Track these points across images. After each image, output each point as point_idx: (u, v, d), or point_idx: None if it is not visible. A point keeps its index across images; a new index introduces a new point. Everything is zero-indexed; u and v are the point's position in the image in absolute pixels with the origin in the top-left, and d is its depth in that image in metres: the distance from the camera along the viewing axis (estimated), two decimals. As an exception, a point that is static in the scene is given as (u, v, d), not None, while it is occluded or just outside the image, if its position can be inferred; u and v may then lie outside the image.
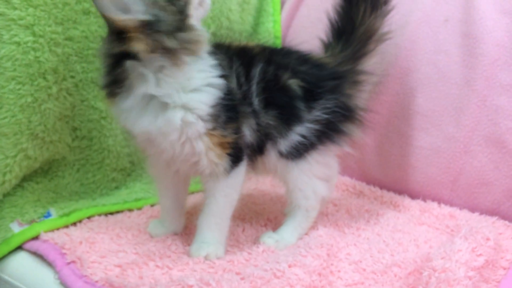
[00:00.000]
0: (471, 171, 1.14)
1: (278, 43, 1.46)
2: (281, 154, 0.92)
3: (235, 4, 1.39)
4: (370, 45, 1.02)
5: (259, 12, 1.47)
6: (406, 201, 1.19)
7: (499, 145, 1.10)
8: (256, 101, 0.89)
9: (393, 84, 1.21)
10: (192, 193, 1.15)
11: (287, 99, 0.91)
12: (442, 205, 1.16)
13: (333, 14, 1.05)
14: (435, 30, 1.18)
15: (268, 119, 0.90)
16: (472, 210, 1.14)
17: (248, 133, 0.89)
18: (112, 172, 1.15)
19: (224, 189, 0.89)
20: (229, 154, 0.86)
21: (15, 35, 0.93)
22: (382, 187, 1.27)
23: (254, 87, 0.89)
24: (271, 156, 0.93)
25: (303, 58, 0.97)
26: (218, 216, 0.90)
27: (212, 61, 0.85)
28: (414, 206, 1.16)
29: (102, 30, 1.09)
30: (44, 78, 0.98)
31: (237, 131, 0.86)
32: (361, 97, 1.01)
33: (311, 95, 0.92)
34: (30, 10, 0.95)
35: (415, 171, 1.21)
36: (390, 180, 1.26)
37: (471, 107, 1.12)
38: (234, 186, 0.90)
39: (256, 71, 0.90)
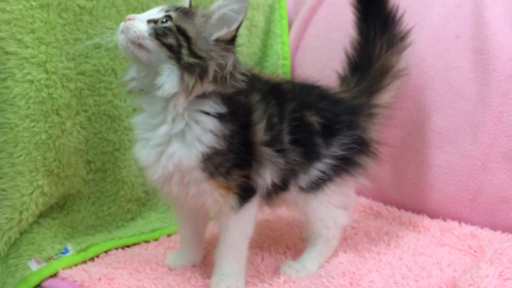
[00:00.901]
0: (490, 188, 1.12)
1: (287, 64, 1.46)
2: (301, 189, 0.92)
3: (243, 28, 1.38)
4: (386, 81, 1.03)
5: (267, 34, 1.47)
6: (426, 221, 1.17)
7: (518, 161, 1.09)
8: (286, 140, 0.89)
9: (406, 102, 1.20)
10: (213, 219, 1.14)
11: (308, 136, 0.91)
12: (463, 224, 1.14)
13: (350, 49, 1.06)
14: (446, 47, 1.18)
15: (295, 156, 0.90)
16: (494, 228, 1.12)
17: (274, 173, 0.88)
18: (127, 203, 1.15)
19: (236, 223, 0.88)
20: (236, 193, 0.86)
21: (28, 73, 0.93)
22: (399, 207, 1.25)
23: (285, 126, 0.89)
24: (291, 191, 0.93)
25: (322, 94, 0.97)
26: (234, 248, 0.90)
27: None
28: (434, 226, 1.14)
29: (113, 63, 1.09)
30: (58, 114, 0.98)
31: (247, 175, 0.86)
32: (375, 130, 1.02)
33: (329, 131, 0.93)
34: (42, 47, 0.95)
35: (432, 190, 1.19)
36: (408, 200, 1.24)
37: (487, 123, 1.11)
38: (246, 219, 0.89)
39: (288, 111, 0.90)
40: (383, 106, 1.03)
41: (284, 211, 1.24)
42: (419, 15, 1.20)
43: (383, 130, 1.06)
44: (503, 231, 1.10)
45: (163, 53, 0.80)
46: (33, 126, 0.94)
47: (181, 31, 0.80)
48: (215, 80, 0.81)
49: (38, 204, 0.97)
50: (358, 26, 1.06)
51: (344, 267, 0.92)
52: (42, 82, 0.95)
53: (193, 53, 0.80)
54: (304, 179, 0.92)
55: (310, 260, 0.96)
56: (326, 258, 0.97)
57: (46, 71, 0.95)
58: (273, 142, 0.88)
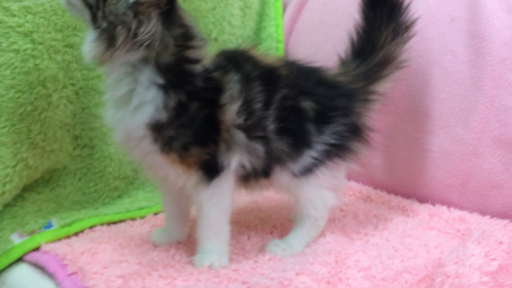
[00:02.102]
0: (481, 173, 1.11)
1: (281, 47, 1.45)
2: (294, 175, 0.91)
3: (236, 9, 1.37)
4: (387, 70, 1.00)
5: (261, 16, 1.46)
6: (415, 205, 1.16)
7: (509, 146, 1.08)
8: (271, 127, 0.86)
9: (399, 86, 1.18)
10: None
11: (299, 122, 0.89)
12: (452, 209, 1.13)
13: (354, 34, 1.03)
14: (441, 30, 1.16)
15: (281, 145, 0.88)
16: (483, 213, 1.11)
17: (245, 159, 0.86)
18: (114, 180, 1.13)
19: (210, 199, 0.86)
20: (200, 170, 0.84)
21: (14, 43, 0.92)
22: (389, 191, 1.24)
23: (271, 113, 0.86)
24: (282, 177, 0.91)
25: (321, 79, 0.95)
26: (213, 225, 0.88)
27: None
28: (423, 210, 1.13)
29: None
30: (44, 86, 0.96)
31: (211, 151, 0.83)
32: (369, 116, 1.00)
33: (323, 118, 0.91)
34: (29, 17, 0.94)
35: (423, 175, 1.18)
36: (398, 184, 1.23)
37: (479, 108, 1.10)
38: (220, 194, 0.86)
39: (277, 97, 0.87)
40: (380, 94, 1.02)
41: (272, 192, 1.23)
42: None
43: (374, 115, 1.05)
44: (492, 216, 1.09)
45: (86, 14, 0.78)
46: (18, 97, 0.93)
47: None
48: (134, 47, 0.77)
49: (22, 177, 0.96)
50: (364, 12, 1.02)
51: (331, 246, 0.91)
52: (28, 52, 0.93)
53: (105, 17, 0.76)
54: (296, 166, 0.90)
55: (297, 240, 0.95)
56: (312, 238, 0.96)
57: (33, 41, 0.94)
58: (251, 128, 0.85)
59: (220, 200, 0.87)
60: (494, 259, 0.79)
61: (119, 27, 0.76)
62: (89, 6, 0.77)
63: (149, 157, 0.84)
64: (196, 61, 0.82)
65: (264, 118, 0.86)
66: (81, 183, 1.09)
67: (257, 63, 0.90)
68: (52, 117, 0.99)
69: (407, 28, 1.02)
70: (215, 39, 1.31)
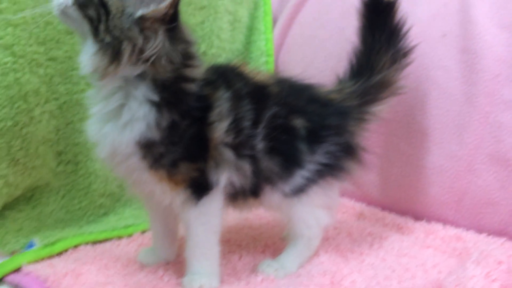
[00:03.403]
0: (476, 190, 1.09)
1: (271, 61, 1.43)
2: (285, 195, 0.88)
3: (226, 23, 1.35)
4: (383, 94, 0.99)
5: (251, 30, 1.44)
6: (410, 222, 1.14)
7: (504, 163, 1.06)
8: (260, 145, 0.84)
9: (392, 102, 1.17)
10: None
11: (290, 141, 0.86)
12: (448, 226, 1.11)
13: (352, 57, 1.01)
14: (433, 45, 1.15)
15: (271, 164, 0.85)
16: (479, 231, 1.08)
17: (235, 178, 0.83)
18: (99, 197, 1.09)
19: (198, 218, 0.83)
20: (188, 188, 0.80)
21: (-6, 55, 0.88)
22: (383, 208, 1.22)
23: (260, 131, 0.84)
24: (273, 197, 0.88)
25: (313, 97, 0.92)
26: (202, 246, 0.84)
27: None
28: (418, 228, 1.11)
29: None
30: (25, 100, 0.93)
31: (200, 169, 0.80)
32: (362, 135, 0.98)
33: (315, 137, 0.88)
34: (9, 29, 0.90)
35: (417, 192, 1.16)
36: (391, 201, 1.21)
37: (473, 124, 1.08)
38: (208, 213, 0.83)
39: (267, 115, 0.84)
40: (374, 115, 1.00)
41: (264, 210, 1.20)
42: (405, 14, 1.17)
43: (367, 132, 1.02)
44: (489, 234, 1.07)
45: (85, 26, 0.75)
46: (-2, 112, 0.89)
47: (102, 3, 0.73)
48: (139, 62, 0.75)
49: (2, 194, 0.92)
50: (363, 35, 1.01)
51: (325, 266, 0.88)
52: (8, 65, 0.90)
53: (108, 30, 0.73)
54: (288, 186, 0.87)
55: (290, 260, 0.91)
56: (306, 258, 0.93)
57: (13, 54, 0.90)
58: (239, 147, 0.82)
59: (209, 220, 0.83)
60: (495, 279, 0.77)
61: (125, 42, 0.73)
62: (90, 19, 0.74)
63: (135, 174, 0.80)
64: (193, 80, 0.80)
65: (252, 137, 0.83)
66: (65, 200, 1.05)
67: (248, 80, 0.87)
68: (34, 132, 0.95)
69: (405, 54, 1.01)
70: (204, 53, 1.29)
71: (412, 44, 1.01)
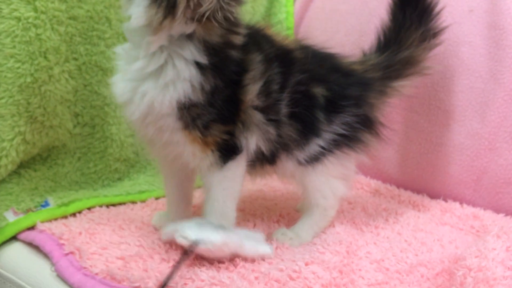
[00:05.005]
0: (496, 169, 1.07)
1: (290, 34, 1.40)
2: (299, 163, 0.87)
3: (247, -6, 1.33)
4: (408, 71, 0.97)
5: (271, 2, 1.41)
6: (426, 200, 1.12)
7: (527, 142, 1.04)
8: (284, 111, 0.83)
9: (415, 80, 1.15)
10: (200, 187, 1.08)
11: (309, 109, 0.85)
12: (465, 205, 1.09)
13: (380, 32, 0.99)
14: (459, 20, 1.12)
15: (291, 130, 0.84)
16: (497, 211, 1.07)
17: (261, 141, 0.82)
18: (115, 162, 1.09)
19: (220, 183, 0.82)
20: (216, 150, 0.79)
21: (15, 10, 0.87)
22: (399, 186, 1.20)
23: (285, 96, 0.83)
24: (287, 165, 0.87)
25: (335, 66, 0.91)
26: (220, 210, 0.83)
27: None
28: (434, 206, 1.09)
29: (108, 11, 1.03)
30: (45, 57, 0.92)
31: (229, 132, 0.79)
32: (382, 109, 0.96)
33: (333, 107, 0.87)
34: (31, -17, 0.89)
35: (435, 170, 1.14)
36: (408, 179, 1.19)
37: (497, 101, 1.06)
38: (232, 178, 0.83)
39: (292, 81, 0.83)
40: (397, 90, 0.97)
41: (278, 182, 1.19)
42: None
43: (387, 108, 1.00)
44: (507, 214, 1.05)
45: None
46: (18, 67, 0.88)
47: None
48: (192, 19, 0.72)
49: (19, 151, 0.91)
50: (393, 11, 0.98)
51: (341, 236, 0.87)
52: (30, 20, 0.88)
53: None
54: (302, 155, 0.86)
55: (305, 229, 0.90)
56: (321, 229, 0.92)
57: (35, 10, 0.89)
58: (267, 110, 0.81)
59: (231, 185, 0.83)
60: (515, 254, 0.75)
61: None
62: None
63: (166, 135, 0.78)
64: (237, 47, 0.78)
65: (279, 101, 0.82)
66: (80, 163, 1.04)
67: (274, 43, 0.86)
68: (52, 91, 0.94)
69: (436, 34, 0.99)
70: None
71: (444, 24, 0.99)
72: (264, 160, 0.86)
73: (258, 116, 0.81)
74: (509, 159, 1.06)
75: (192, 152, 0.79)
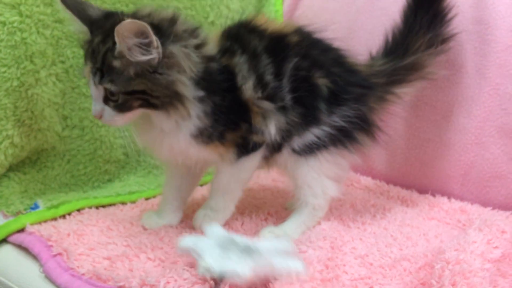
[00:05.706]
0: (483, 163, 1.08)
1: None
2: (293, 150, 0.89)
3: (237, -7, 1.33)
4: (412, 76, 0.98)
5: (260, 1, 1.42)
6: (414, 195, 1.13)
7: (513, 135, 1.04)
8: (288, 97, 0.85)
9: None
10: (201, 186, 1.10)
11: (312, 98, 0.87)
12: (452, 200, 1.10)
13: (389, 33, 1.00)
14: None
15: (294, 116, 0.86)
16: (484, 204, 1.08)
17: (274, 131, 0.85)
18: (104, 164, 1.10)
19: (234, 175, 0.88)
20: (235, 148, 0.85)
21: (0, 14, 0.88)
22: (388, 182, 1.21)
23: (285, 83, 0.85)
24: (283, 153, 0.89)
25: (339, 60, 0.92)
26: (229, 192, 0.90)
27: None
28: (422, 201, 1.10)
29: (94, 14, 1.04)
30: (31, 61, 0.93)
31: (244, 132, 0.85)
32: (381, 114, 0.97)
33: (335, 99, 0.88)
34: (16, -12, 0.90)
35: (423, 165, 1.15)
36: (397, 175, 1.20)
37: (483, 96, 1.07)
38: (246, 169, 0.89)
39: (289, 67, 0.86)
40: (398, 97, 0.98)
41: (268, 181, 1.20)
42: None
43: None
44: (493, 208, 1.06)
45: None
46: (4, 72, 0.89)
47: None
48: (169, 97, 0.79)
49: (7, 155, 0.92)
50: (405, 14, 0.99)
51: (326, 232, 0.88)
52: (15, 25, 0.89)
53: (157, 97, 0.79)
54: (297, 141, 0.88)
55: (293, 227, 0.91)
56: (309, 228, 0.93)
57: (20, 14, 0.90)
58: (271, 99, 0.84)
59: (244, 176, 0.90)
60: (496, 247, 0.76)
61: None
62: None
63: (194, 155, 0.85)
64: (214, 57, 0.82)
65: (279, 88, 0.85)
66: (70, 165, 1.05)
67: (262, 34, 0.87)
68: (39, 94, 0.95)
69: (444, 40, 1.00)
70: (212, 23, 1.28)
71: (454, 32, 1.00)
72: (272, 149, 0.89)
73: (267, 104, 0.84)
74: (495, 153, 1.06)
75: (214, 156, 0.85)
